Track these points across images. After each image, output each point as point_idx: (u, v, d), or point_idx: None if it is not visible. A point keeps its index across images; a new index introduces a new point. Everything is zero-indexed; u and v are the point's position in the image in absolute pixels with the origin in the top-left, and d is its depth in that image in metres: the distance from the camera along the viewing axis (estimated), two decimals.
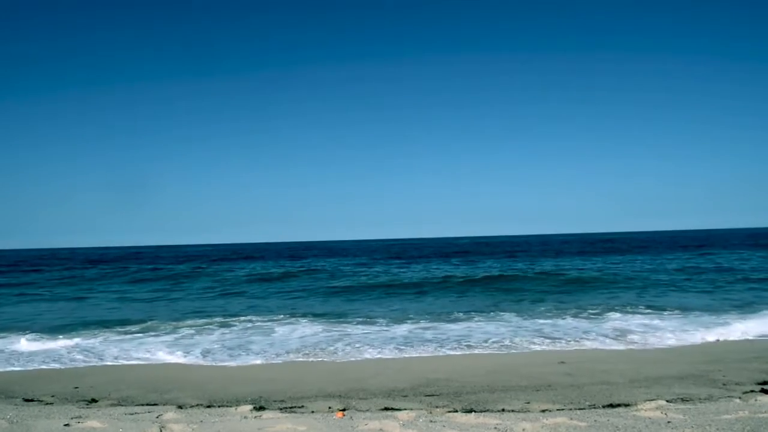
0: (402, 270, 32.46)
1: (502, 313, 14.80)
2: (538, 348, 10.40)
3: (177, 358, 10.29)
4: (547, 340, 11.06)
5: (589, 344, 10.58)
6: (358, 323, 13.65)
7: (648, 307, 15.53)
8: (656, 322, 12.94)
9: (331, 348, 10.65)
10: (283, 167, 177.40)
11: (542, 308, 15.71)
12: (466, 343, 10.80)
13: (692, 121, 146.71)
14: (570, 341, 10.90)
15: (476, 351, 10.19)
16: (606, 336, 11.31)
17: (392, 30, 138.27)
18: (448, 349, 10.43)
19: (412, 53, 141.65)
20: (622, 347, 10.38)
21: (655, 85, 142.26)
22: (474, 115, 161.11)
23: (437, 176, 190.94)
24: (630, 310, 14.90)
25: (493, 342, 10.93)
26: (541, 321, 13.33)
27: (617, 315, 14.00)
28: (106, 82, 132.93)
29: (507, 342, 10.92)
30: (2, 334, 12.81)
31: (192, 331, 12.95)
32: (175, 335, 12.46)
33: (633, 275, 24.82)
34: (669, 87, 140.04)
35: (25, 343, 11.48)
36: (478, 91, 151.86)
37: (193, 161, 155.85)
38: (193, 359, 10.14)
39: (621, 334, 11.54)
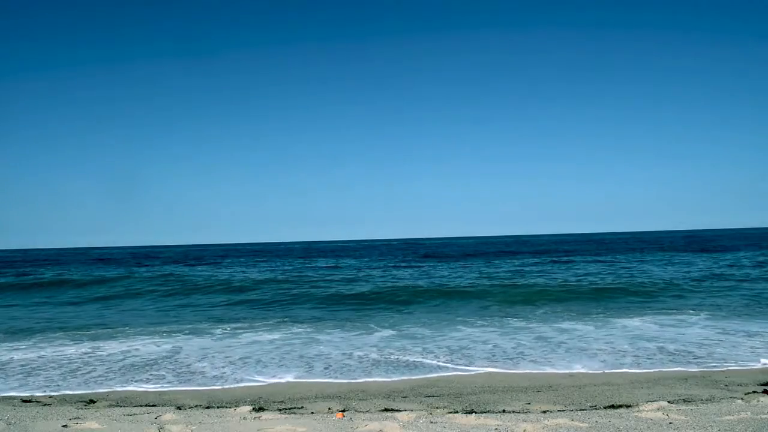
0: (398, 273, 32.30)
1: (508, 319, 14.46)
2: (550, 370, 8.68)
3: None
4: (560, 350, 10.33)
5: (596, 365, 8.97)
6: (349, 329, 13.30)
7: (662, 313, 14.91)
8: (678, 330, 11.94)
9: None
10: (280, 165, 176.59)
11: (541, 312, 15.45)
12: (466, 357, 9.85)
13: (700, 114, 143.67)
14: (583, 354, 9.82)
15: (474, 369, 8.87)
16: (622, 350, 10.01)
17: (392, 12, 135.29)
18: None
19: (412, 34, 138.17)
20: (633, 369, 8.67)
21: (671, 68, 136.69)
22: (475, 107, 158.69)
23: (437, 175, 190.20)
24: (647, 315, 14.29)
25: (495, 354, 10.04)
26: (549, 331, 12.85)
27: (649, 326, 12.64)
28: (93, 63, 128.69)
29: (506, 355, 10.14)
30: None
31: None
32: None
33: (648, 278, 24.24)
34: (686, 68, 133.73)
35: None
36: (480, 82, 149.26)
37: (184, 157, 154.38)
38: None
39: (638, 343, 10.62)
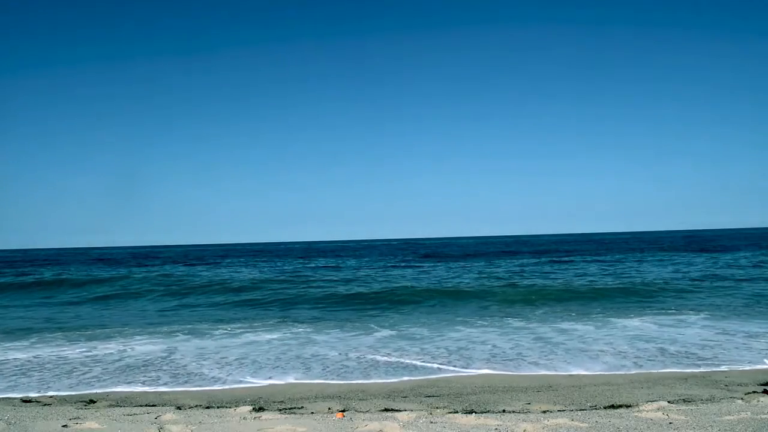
0: (398, 273, 32.27)
1: (507, 319, 14.37)
2: (549, 372, 8.50)
3: None
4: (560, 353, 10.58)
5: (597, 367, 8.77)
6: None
7: (662, 313, 14.85)
8: (678, 330, 11.97)
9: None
10: (279, 163, 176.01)
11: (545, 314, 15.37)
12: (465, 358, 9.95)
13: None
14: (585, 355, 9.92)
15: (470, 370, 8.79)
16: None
17: (391, 9, 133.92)
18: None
19: (411, 31, 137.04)
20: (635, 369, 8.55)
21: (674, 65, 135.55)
22: (474, 103, 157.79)
23: (437, 172, 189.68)
24: (647, 315, 14.23)
25: (495, 355, 10.02)
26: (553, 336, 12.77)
27: (649, 326, 12.53)
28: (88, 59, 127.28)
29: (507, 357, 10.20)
30: None
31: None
32: None
33: (648, 278, 24.11)
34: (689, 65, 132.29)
35: None
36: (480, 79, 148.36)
37: (183, 155, 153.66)
38: None
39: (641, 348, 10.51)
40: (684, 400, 6.52)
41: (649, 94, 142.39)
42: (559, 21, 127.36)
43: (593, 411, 5.99)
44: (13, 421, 5.72)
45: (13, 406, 6.86)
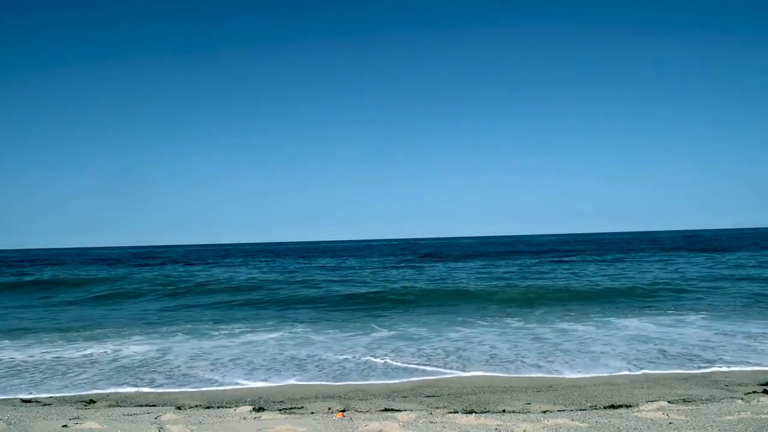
0: (398, 273, 32.24)
1: (507, 320, 14.36)
2: (549, 375, 8.31)
3: None
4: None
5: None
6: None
7: (662, 313, 14.89)
8: (678, 331, 11.98)
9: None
10: (279, 163, 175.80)
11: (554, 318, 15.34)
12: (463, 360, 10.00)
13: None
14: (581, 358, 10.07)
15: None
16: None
17: (390, 9, 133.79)
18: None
19: (411, 31, 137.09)
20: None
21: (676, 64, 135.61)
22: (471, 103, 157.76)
23: (436, 172, 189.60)
24: (647, 315, 14.27)
25: (494, 356, 10.16)
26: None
27: (649, 326, 12.69)
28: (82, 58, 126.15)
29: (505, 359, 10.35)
30: None
31: None
32: None
33: (648, 278, 24.15)
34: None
35: None
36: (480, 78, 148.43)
37: (183, 154, 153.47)
38: None
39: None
40: (684, 400, 6.53)
41: (649, 93, 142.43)
42: (559, 21, 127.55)
43: (593, 411, 5.99)
44: (13, 421, 5.72)
45: (13, 406, 6.85)
